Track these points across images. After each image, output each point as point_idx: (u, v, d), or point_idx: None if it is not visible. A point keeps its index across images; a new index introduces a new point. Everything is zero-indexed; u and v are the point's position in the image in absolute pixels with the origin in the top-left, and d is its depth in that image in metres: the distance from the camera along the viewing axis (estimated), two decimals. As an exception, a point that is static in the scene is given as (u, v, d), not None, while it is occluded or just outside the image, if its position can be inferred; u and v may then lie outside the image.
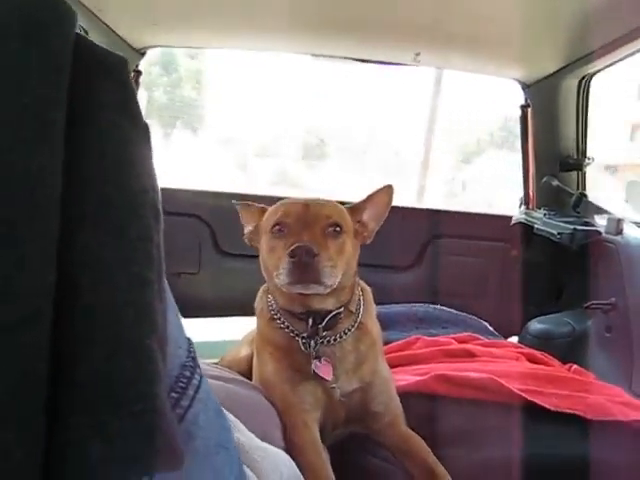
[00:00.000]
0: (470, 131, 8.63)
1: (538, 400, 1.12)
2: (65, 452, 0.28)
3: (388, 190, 1.05)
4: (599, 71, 1.79)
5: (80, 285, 0.30)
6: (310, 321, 0.96)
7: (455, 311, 1.82)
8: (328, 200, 1.01)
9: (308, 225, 0.93)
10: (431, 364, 1.36)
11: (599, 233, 1.69)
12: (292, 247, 0.86)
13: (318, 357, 0.96)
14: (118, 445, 0.29)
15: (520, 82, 2.00)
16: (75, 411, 0.29)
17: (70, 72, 0.31)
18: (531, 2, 1.46)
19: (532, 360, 1.46)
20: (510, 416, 1.11)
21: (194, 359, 0.41)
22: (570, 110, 1.90)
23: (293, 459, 0.73)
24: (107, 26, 1.69)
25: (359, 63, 1.98)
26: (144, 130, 0.36)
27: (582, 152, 1.93)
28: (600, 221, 1.76)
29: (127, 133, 0.34)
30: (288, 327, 0.99)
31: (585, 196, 1.88)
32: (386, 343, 1.38)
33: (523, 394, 1.13)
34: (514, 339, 1.84)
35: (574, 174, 1.96)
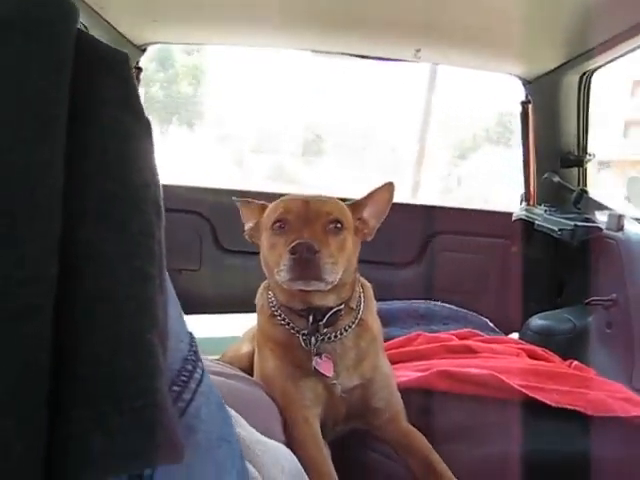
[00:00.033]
0: (466, 127, 8.64)
1: (539, 396, 1.13)
2: (67, 445, 0.28)
3: (389, 187, 1.05)
4: (600, 67, 1.79)
5: (82, 279, 0.30)
6: (310, 318, 0.96)
7: (456, 307, 1.82)
8: (329, 197, 1.02)
9: (309, 222, 0.93)
10: (432, 360, 1.36)
11: (600, 229, 1.69)
12: (293, 244, 0.87)
13: (319, 354, 0.96)
14: (119, 440, 0.29)
15: (521, 78, 1.99)
16: (77, 404, 0.29)
17: (72, 68, 0.31)
18: (532, -2, 1.46)
19: (533, 356, 1.46)
20: (511, 412, 1.12)
21: (196, 353, 0.41)
22: (571, 106, 1.89)
23: (294, 454, 0.73)
24: (108, 23, 1.69)
25: (359, 59, 1.98)
26: (146, 126, 0.36)
27: (583, 148, 1.93)
28: (601, 217, 1.76)
29: (129, 129, 0.34)
30: (289, 324, 0.99)
31: (586, 192, 1.88)
32: (387, 339, 1.38)
33: (524, 390, 1.13)
34: (515, 335, 1.84)
35: (575, 170, 1.96)
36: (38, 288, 0.28)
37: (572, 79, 1.85)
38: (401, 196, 2.90)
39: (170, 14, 1.75)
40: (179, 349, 0.39)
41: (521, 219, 2.06)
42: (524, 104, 2.04)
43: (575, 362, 1.45)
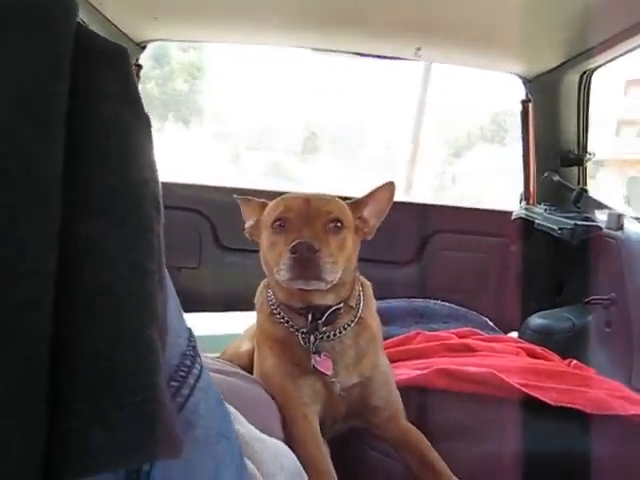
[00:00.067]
0: (461, 125, 8.64)
1: (538, 395, 1.13)
2: (67, 440, 0.28)
3: (390, 187, 1.05)
4: (600, 66, 1.79)
5: (82, 273, 0.30)
6: (310, 316, 0.96)
7: (455, 306, 1.82)
8: (329, 195, 1.01)
9: (309, 221, 0.92)
10: (431, 359, 1.36)
11: (600, 228, 1.69)
12: (293, 243, 0.86)
13: (318, 352, 0.96)
14: (119, 435, 0.29)
15: (521, 77, 1.99)
16: (77, 398, 0.29)
17: (72, 62, 0.31)
18: (533, -3, 1.46)
19: (532, 355, 1.46)
20: (510, 410, 1.12)
21: (194, 348, 0.41)
22: (571, 105, 1.90)
23: (293, 452, 0.73)
24: (107, 20, 1.69)
25: (359, 57, 1.98)
26: (145, 121, 0.36)
27: (583, 147, 1.94)
28: (601, 216, 1.76)
29: (129, 123, 0.34)
30: (288, 322, 0.99)
31: (586, 191, 1.88)
32: (386, 338, 1.38)
33: (523, 389, 1.13)
34: (514, 334, 1.84)
35: (575, 169, 1.96)
36: (38, 281, 0.28)
37: (572, 78, 1.85)
38: (395, 194, 2.89)
39: (170, 11, 1.75)
40: (178, 344, 0.39)
41: (521, 218, 2.06)
42: (524, 103, 2.05)
43: (574, 361, 1.45)
